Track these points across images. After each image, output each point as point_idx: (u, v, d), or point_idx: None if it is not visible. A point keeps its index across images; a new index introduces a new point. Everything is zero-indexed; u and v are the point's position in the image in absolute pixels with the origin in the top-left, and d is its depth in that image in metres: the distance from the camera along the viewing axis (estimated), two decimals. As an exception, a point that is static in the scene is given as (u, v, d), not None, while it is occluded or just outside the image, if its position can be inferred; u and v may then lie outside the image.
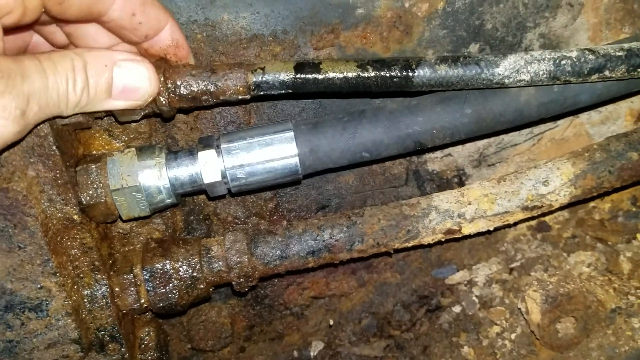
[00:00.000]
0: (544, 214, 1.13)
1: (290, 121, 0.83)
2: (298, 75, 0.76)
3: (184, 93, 0.75)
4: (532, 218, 1.02)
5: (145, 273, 0.80)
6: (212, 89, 0.76)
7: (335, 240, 0.85)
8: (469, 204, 0.86)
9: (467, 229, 0.87)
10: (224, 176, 0.79)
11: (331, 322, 1.16)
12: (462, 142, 1.04)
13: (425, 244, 0.88)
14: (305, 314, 1.14)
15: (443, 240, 0.88)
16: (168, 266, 0.80)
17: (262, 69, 0.76)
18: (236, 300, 1.08)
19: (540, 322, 0.97)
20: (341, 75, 0.76)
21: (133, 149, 0.78)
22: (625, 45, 0.78)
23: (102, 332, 0.78)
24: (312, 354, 1.15)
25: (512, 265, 1.15)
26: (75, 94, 0.64)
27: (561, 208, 0.98)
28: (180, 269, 0.81)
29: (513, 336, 1.05)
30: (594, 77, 0.78)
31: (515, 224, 1.09)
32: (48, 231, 0.71)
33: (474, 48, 0.97)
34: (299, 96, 0.91)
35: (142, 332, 0.88)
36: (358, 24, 0.89)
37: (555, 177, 0.86)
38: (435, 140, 0.84)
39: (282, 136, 0.80)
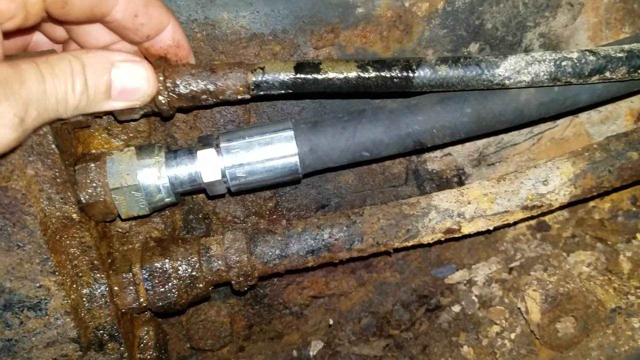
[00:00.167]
0: (543, 214, 1.13)
1: (290, 120, 0.83)
2: (298, 75, 0.76)
3: (184, 92, 0.75)
4: (532, 217, 1.02)
5: (144, 272, 0.80)
6: (211, 89, 0.76)
7: (335, 240, 0.85)
8: (469, 203, 0.86)
9: (467, 229, 0.87)
10: (223, 175, 0.79)
11: (331, 322, 1.16)
12: (462, 141, 1.04)
13: (425, 243, 0.88)
14: (305, 313, 1.14)
15: (443, 239, 0.88)
16: (167, 265, 0.80)
17: (262, 68, 0.76)
18: (235, 300, 1.08)
19: (540, 322, 0.97)
20: (341, 76, 0.76)
21: (132, 148, 0.78)
22: (626, 47, 0.78)
23: (101, 331, 0.77)
24: (311, 353, 1.15)
25: (512, 265, 1.15)
26: (75, 97, 0.63)
27: (561, 208, 0.98)
28: (180, 268, 0.81)
29: (513, 336, 1.05)
30: (595, 78, 0.78)
31: (515, 223, 1.09)
32: (47, 230, 0.71)
33: (474, 47, 0.97)
34: (299, 96, 0.91)
35: (141, 331, 0.88)
36: (358, 23, 0.89)
37: (555, 176, 0.86)
38: (435, 139, 0.84)
39: (282, 135, 0.80)
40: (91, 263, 0.76)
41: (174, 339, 1.07)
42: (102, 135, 0.82)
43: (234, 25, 0.86)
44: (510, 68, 0.76)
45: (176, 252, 0.81)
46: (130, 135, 0.84)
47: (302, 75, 0.76)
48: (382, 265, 1.14)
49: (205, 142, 0.80)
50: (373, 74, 0.76)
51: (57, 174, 0.71)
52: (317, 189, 1.03)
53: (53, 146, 0.70)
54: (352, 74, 0.76)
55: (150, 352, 0.87)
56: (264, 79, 0.76)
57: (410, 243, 0.87)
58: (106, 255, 0.81)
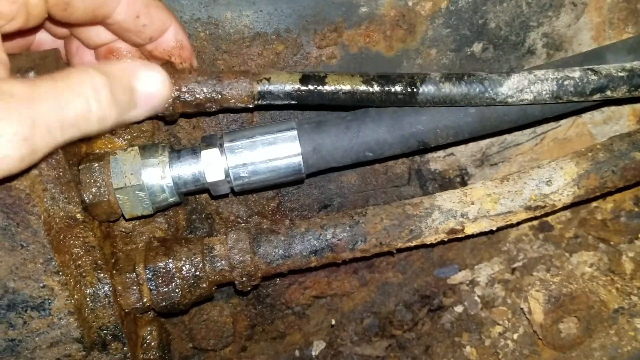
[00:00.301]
0: (546, 214, 1.12)
1: (293, 120, 0.83)
2: (303, 87, 0.76)
3: (189, 99, 0.76)
4: (535, 218, 1.02)
5: (147, 272, 0.80)
6: (216, 97, 0.76)
7: (338, 240, 0.84)
8: (472, 203, 0.86)
9: (470, 229, 0.87)
10: (227, 175, 0.79)
11: (333, 322, 1.16)
12: (466, 141, 1.04)
13: (428, 243, 0.88)
14: (307, 313, 1.14)
15: (446, 240, 0.88)
16: (171, 265, 0.80)
17: (268, 79, 0.76)
18: (238, 300, 1.08)
19: (543, 322, 0.97)
20: (346, 89, 0.77)
21: (136, 148, 0.78)
22: (627, 66, 0.79)
23: (105, 331, 0.77)
24: (313, 353, 1.15)
25: (515, 265, 1.14)
26: (100, 112, 0.60)
27: (564, 208, 0.97)
28: (183, 268, 0.81)
29: (515, 336, 1.05)
30: (596, 96, 0.79)
31: (518, 224, 1.09)
32: (51, 230, 0.71)
33: (477, 47, 0.97)
34: (302, 107, 0.92)
35: (144, 331, 0.88)
36: (361, 22, 0.89)
37: (559, 176, 0.86)
38: (439, 139, 0.84)
39: (285, 135, 0.80)
40: (95, 263, 0.76)
41: (176, 338, 1.07)
42: (106, 135, 0.82)
43: (237, 25, 0.86)
44: (513, 87, 0.77)
45: (180, 252, 0.81)
46: (134, 135, 0.84)
47: (307, 87, 0.76)
48: (385, 265, 1.14)
49: (209, 142, 0.80)
50: (377, 89, 0.77)
51: (60, 173, 0.71)
52: (319, 189, 1.03)
53: (57, 146, 0.69)
54: (357, 88, 0.77)
55: (154, 352, 0.87)
56: (268, 89, 0.77)
57: (414, 243, 0.87)
58: (110, 255, 0.81)
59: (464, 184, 1.10)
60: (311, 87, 0.76)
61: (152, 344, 0.87)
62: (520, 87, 0.77)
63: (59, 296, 0.72)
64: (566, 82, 0.77)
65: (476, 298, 1.12)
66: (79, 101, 0.57)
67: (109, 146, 0.82)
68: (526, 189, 0.86)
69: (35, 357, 0.74)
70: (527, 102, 0.79)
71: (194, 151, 0.79)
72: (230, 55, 0.87)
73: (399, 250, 0.89)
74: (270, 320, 1.12)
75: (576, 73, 0.78)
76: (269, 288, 1.09)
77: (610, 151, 0.88)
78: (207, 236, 0.88)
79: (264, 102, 0.78)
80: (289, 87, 0.76)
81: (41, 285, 0.71)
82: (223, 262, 0.82)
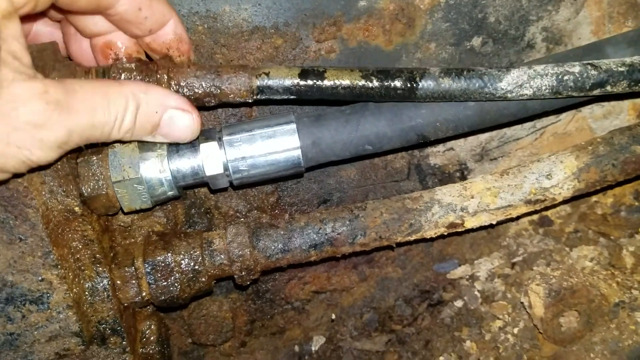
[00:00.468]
0: (546, 208, 1.12)
1: (292, 113, 0.82)
2: (302, 82, 0.76)
3: (187, 94, 0.76)
4: (535, 212, 1.01)
5: (146, 266, 0.79)
6: (215, 92, 0.76)
7: (338, 234, 0.84)
8: (472, 197, 0.86)
9: (470, 223, 0.87)
10: (226, 168, 0.79)
11: (332, 317, 1.16)
12: (466, 135, 1.04)
13: (428, 237, 0.88)
14: (307, 308, 1.14)
15: (445, 234, 0.88)
16: (170, 259, 0.80)
17: (267, 73, 0.76)
18: (237, 295, 1.08)
19: (544, 316, 0.96)
20: (345, 84, 0.77)
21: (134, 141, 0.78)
22: (627, 60, 0.79)
23: (104, 325, 0.77)
24: (313, 348, 1.15)
25: (514, 260, 1.14)
26: (119, 132, 0.66)
27: (564, 202, 0.97)
28: (182, 262, 0.81)
29: (516, 330, 1.05)
30: (596, 92, 0.79)
31: (518, 218, 1.08)
32: (49, 223, 0.71)
33: (476, 41, 0.96)
34: (301, 102, 0.91)
35: (143, 326, 0.88)
36: (360, 16, 0.89)
37: (559, 170, 0.86)
38: (438, 133, 0.84)
39: (284, 128, 0.80)
40: (93, 257, 0.75)
41: (175, 334, 1.07)
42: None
43: (236, 18, 0.85)
44: (512, 82, 0.77)
45: (179, 246, 0.81)
46: (132, 128, 0.84)
47: (307, 82, 0.76)
48: (384, 260, 1.14)
49: (208, 135, 0.80)
50: (377, 84, 0.77)
51: (59, 166, 0.71)
52: (319, 183, 1.03)
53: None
54: (356, 83, 0.77)
55: (152, 347, 0.87)
56: (268, 84, 0.77)
57: (413, 237, 0.87)
58: (108, 249, 0.81)
59: (463, 178, 1.10)
60: (310, 82, 0.76)
61: (151, 338, 0.87)
62: (519, 82, 0.77)
63: (58, 290, 0.72)
64: (566, 77, 0.77)
65: (476, 293, 1.12)
66: (109, 119, 0.63)
67: (108, 139, 0.82)
68: (526, 182, 0.86)
69: (34, 351, 0.74)
70: (527, 98, 0.79)
71: (193, 145, 0.79)
72: (229, 49, 0.87)
73: (399, 245, 0.89)
74: (270, 315, 1.12)
75: (576, 68, 0.77)
76: (269, 283, 1.08)
77: (610, 145, 0.88)
78: (206, 231, 0.88)
79: (263, 97, 0.78)
80: (288, 82, 0.76)
81: (40, 278, 0.71)
82: (222, 256, 0.82)
